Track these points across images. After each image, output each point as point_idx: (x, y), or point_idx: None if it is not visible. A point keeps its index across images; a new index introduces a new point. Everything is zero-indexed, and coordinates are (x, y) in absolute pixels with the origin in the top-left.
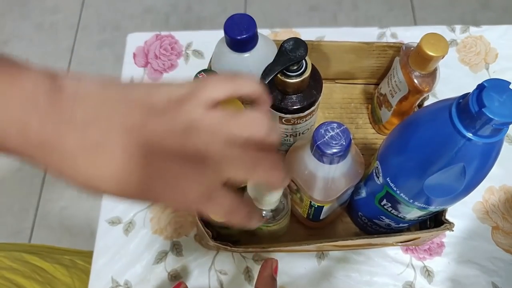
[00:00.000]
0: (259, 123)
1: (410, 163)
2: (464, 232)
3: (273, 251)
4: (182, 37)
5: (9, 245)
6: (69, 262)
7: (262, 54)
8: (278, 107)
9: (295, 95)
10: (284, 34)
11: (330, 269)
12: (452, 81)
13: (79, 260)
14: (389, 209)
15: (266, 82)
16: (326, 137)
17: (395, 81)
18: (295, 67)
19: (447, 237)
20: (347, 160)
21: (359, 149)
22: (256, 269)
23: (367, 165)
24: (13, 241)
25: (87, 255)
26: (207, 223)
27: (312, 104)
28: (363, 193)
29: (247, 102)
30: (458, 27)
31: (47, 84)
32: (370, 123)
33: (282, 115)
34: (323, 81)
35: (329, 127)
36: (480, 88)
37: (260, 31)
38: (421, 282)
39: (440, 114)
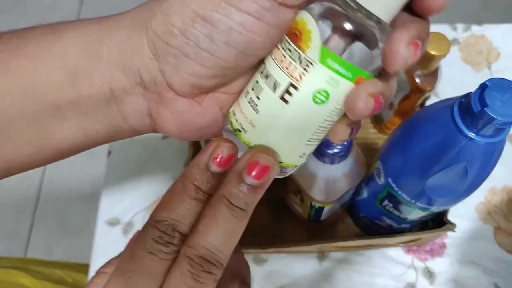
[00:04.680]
0: None
1: (412, 163)
2: (466, 233)
3: (273, 252)
4: None
5: None
6: (59, 278)
7: None
8: None
9: None
10: None
11: (331, 270)
12: (454, 80)
13: (68, 278)
14: (391, 209)
15: None
16: None
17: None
18: None
19: (449, 237)
20: (348, 160)
21: (360, 149)
22: (256, 270)
23: (368, 165)
24: (10, 242)
25: (79, 269)
26: None
27: None
28: (364, 194)
29: None
30: (460, 26)
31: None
32: (372, 122)
33: None
34: None
35: None
36: (483, 87)
37: None
38: (423, 283)
39: (442, 113)
